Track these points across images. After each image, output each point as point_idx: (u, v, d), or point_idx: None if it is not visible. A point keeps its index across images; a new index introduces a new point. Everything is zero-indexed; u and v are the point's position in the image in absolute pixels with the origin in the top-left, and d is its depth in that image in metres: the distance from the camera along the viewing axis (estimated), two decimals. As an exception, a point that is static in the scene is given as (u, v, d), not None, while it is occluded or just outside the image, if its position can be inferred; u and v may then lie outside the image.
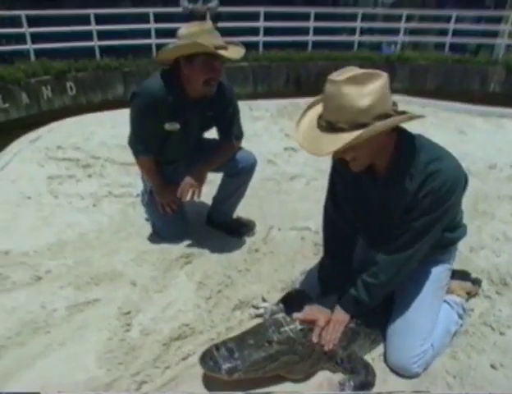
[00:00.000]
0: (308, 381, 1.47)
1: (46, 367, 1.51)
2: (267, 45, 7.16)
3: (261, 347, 1.38)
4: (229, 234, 2.39)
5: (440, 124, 4.78)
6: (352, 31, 7.66)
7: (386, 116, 1.19)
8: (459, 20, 7.51)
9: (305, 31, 7.37)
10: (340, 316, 1.51)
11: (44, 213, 2.60)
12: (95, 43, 6.32)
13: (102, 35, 6.42)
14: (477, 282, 1.85)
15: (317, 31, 7.42)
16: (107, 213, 2.62)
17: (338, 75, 1.18)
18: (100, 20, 6.37)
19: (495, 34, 7.64)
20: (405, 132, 1.37)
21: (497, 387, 1.41)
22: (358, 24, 7.46)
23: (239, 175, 2.20)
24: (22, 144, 3.74)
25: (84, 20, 6.25)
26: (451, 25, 7.43)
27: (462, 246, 1.73)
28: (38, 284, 1.95)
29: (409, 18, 7.75)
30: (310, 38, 7.33)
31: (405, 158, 1.33)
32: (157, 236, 2.34)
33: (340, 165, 1.47)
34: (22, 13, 5.92)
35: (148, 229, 2.42)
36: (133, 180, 3.01)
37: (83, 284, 1.94)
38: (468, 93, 6.95)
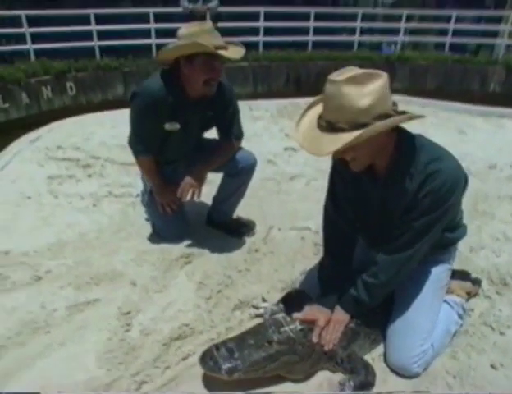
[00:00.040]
0: (308, 381, 1.47)
1: (46, 367, 1.51)
2: (267, 45, 7.16)
3: (261, 347, 1.38)
4: (229, 234, 2.39)
5: (440, 124, 4.78)
6: (352, 31, 7.66)
7: (386, 116, 1.19)
8: (459, 20, 7.51)
9: (305, 31, 7.37)
10: (340, 316, 1.51)
11: (44, 212, 2.60)
12: (95, 43, 6.32)
13: (102, 35, 6.43)
14: (477, 282, 1.85)
15: (317, 31, 7.42)
16: (107, 213, 2.62)
17: (338, 75, 1.18)
18: (100, 20, 6.37)
19: (495, 34, 7.64)
20: (405, 132, 1.37)
21: (497, 387, 1.41)
22: (358, 24, 7.46)
23: (239, 175, 2.20)
24: (22, 144, 3.73)
25: (84, 20, 6.26)
26: (451, 25, 7.43)
27: (462, 246, 1.73)
28: (38, 284, 1.95)
29: (409, 18, 7.75)
30: (310, 38, 7.33)
31: (405, 158, 1.33)
32: (157, 236, 2.34)
33: (340, 165, 1.47)
34: (22, 13, 5.92)
35: (148, 229, 2.42)
36: (133, 180, 3.01)
37: (83, 284, 1.94)
38: (468, 93, 6.95)
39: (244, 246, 2.29)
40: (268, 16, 7.07)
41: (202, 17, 5.79)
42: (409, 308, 1.52)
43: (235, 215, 2.46)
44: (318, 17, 7.33)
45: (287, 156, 3.68)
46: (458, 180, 1.30)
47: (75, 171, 3.24)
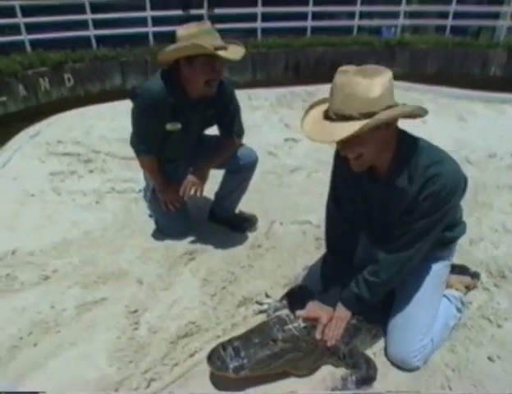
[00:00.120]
0: (311, 376, 1.52)
1: (58, 366, 1.56)
2: (265, 31, 7.07)
3: (266, 345, 1.43)
4: (231, 229, 2.42)
5: (440, 111, 4.75)
6: (351, 15, 7.55)
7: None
8: (460, 1, 7.38)
9: (304, 16, 7.26)
10: (342, 313, 1.55)
11: (48, 210, 2.63)
12: (91, 32, 6.24)
13: (98, 24, 6.34)
14: (475, 276, 1.89)
15: (316, 16, 7.31)
16: (111, 210, 2.64)
17: (347, 68, 1.23)
18: (95, 8, 6.27)
19: (496, 16, 7.54)
20: (406, 134, 1.39)
21: (495, 379, 1.46)
22: (357, 8, 7.35)
23: (240, 172, 2.22)
24: (22, 140, 3.73)
25: (79, 9, 6.16)
26: (452, 7, 7.32)
27: (462, 239, 1.75)
28: (46, 284, 1.99)
29: (409, 1, 7.63)
30: (309, 23, 7.23)
31: (406, 160, 1.35)
32: (160, 233, 2.37)
33: (342, 165, 1.50)
34: (16, 3, 5.82)
35: (151, 226, 2.45)
36: (135, 174, 3.02)
37: (90, 283, 1.99)
38: (468, 77, 6.89)
39: (246, 242, 2.33)
40: (266, 2, 6.95)
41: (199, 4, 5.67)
42: (409, 303, 1.56)
43: (237, 210, 2.49)
44: (317, 2, 7.21)
45: (288, 147, 3.69)
46: (458, 184, 1.32)
47: (76, 167, 3.26)
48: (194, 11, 6.80)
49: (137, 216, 2.58)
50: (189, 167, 2.18)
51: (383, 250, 1.48)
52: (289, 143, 3.79)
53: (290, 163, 3.35)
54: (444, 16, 7.59)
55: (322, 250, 2.11)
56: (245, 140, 2.32)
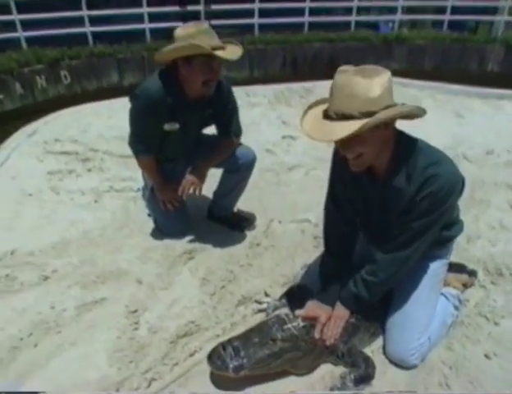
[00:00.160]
0: (310, 374, 1.53)
1: (58, 367, 1.57)
2: (262, 28, 7.04)
3: (265, 345, 1.44)
4: (230, 228, 2.43)
5: (437, 107, 4.76)
6: (349, 11, 7.51)
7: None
8: (457, -4, 7.37)
9: (301, 12, 7.23)
10: (341, 312, 1.56)
11: (46, 210, 2.63)
12: (87, 29, 6.19)
13: (94, 21, 6.29)
14: (473, 274, 1.91)
15: (313, 12, 7.28)
16: (109, 209, 2.65)
17: (347, 68, 1.24)
18: (91, 5, 6.22)
19: (494, 11, 7.52)
20: (404, 134, 1.40)
21: (491, 376, 1.48)
22: (354, 3, 7.32)
23: (238, 171, 2.22)
24: (19, 139, 3.71)
25: (75, 5, 6.11)
26: (450, 2, 7.30)
27: (459, 237, 1.77)
28: (45, 284, 1.99)
29: (407, -5, 7.60)
30: (306, 19, 7.20)
31: (404, 160, 1.36)
32: (159, 232, 2.38)
33: (340, 166, 1.51)
34: (11, -1, 5.78)
35: (150, 225, 2.45)
36: (133, 173, 3.02)
37: (89, 283, 1.99)
38: (465, 72, 6.88)
39: (245, 240, 2.34)
40: (263, -3, 6.93)
41: None
42: (407, 302, 1.58)
43: (235, 208, 2.50)
44: (314, -3, 7.19)
45: (286, 145, 3.69)
46: (455, 184, 1.33)
47: (74, 166, 3.25)
48: (190, 8, 6.76)
49: (136, 215, 2.58)
50: (188, 166, 2.18)
51: (381, 250, 1.49)
52: (287, 140, 3.79)
53: (288, 161, 3.35)
54: (441, 11, 7.57)
55: (321, 249, 2.13)
56: (243, 138, 2.32)
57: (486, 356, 1.56)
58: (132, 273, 2.06)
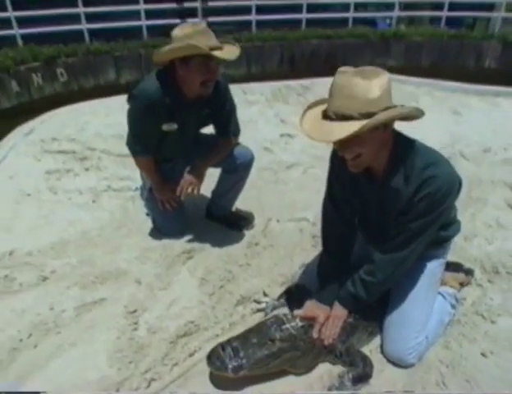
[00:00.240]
0: (309, 374, 1.54)
1: (58, 367, 1.58)
2: (259, 24, 7.02)
3: (264, 345, 1.45)
4: (228, 227, 2.43)
5: (435, 104, 4.78)
6: (346, 7, 7.50)
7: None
8: (455, -8, 7.37)
9: (299, 8, 7.21)
10: (339, 312, 1.58)
11: (45, 210, 2.63)
12: (84, 26, 6.15)
13: (90, 18, 6.25)
14: (469, 273, 1.93)
15: (311, 8, 7.26)
16: (108, 209, 2.64)
17: (346, 69, 1.25)
18: (87, 2, 6.18)
19: (491, 7, 7.52)
20: (402, 136, 1.41)
21: (488, 375, 1.50)
22: (352, -1, 7.32)
23: (237, 171, 2.23)
24: (16, 138, 3.69)
25: (71, 2, 6.07)
26: (447, -2, 7.31)
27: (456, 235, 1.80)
28: (44, 284, 2.00)
29: (405, -8, 7.60)
30: (304, 15, 7.18)
31: (402, 161, 1.37)
32: (157, 232, 2.38)
33: (338, 167, 1.52)
34: (7, -4, 5.73)
35: (148, 225, 2.45)
36: (131, 172, 3.01)
37: (88, 283, 2.00)
38: (463, 69, 6.89)
39: (243, 240, 2.34)
40: (260, -7, 6.90)
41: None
42: (405, 301, 1.59)
43: (233, 207, 2.50)
44: (312, -7, 7.17)
45: (283, 143, 3.69)
46: (452, 185, 1.34)
47: (72, 165, 3.24)
48: (187, 4, 6.73)
49: (134, 215, 2.58)
50: (186, 166, 2.18)
51: (379, 250, 1.50)
52: (284, 138, 3.80)
53: (285, 159, 3.36)
54: (439, 7, 7.56)
55: (319, 248, 2.14)
56: (241, 136, 2.32)
57: (483, 355, 1.58)
58: (131, 273, 2.06)
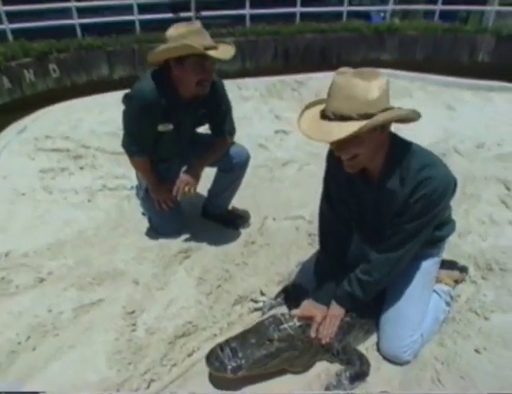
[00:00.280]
0: (307, 373, 1.57)
1: (58, 370, 1.59)
2: (253, 18, 6.97)
3: (262, 346, 1.47)
4: (225, 226, 2.44)
5: (428, 99, 4.79)
6: (341, 1, 7.46)
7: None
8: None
9: (293, 2, 7.17)
10: (336, 311, 1.59)
11: (40, 210, 2.62)
12: (76, 21, 6.07)
13: (82, 12, 6.17)
14: (464, 270, 1.95)
15: (305, 2, 7.22)
16: (103, 209, 2.64)
17: (345, 70, 1.27)
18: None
19: (484, 1, 7.53)
20: (397, 137, 1.42)
21: (481, 371, 1.53)
22: (346, -8, 7.28)
23: (233, 170, 2.23)
24: (9, 136, 3.66)
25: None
26: (441, -8, 7.31)
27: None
28: (41, 286, 1.99)
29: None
30: (298, 9, 7.14)
31: (398, 163, 1.38)
32: (154, 232, 2.38)
33: (335, 168, 1.53)
34: (-5, -10, 5.64)
35: (144, 224, 2.45)
36: (126, 170, 3.00)
37: (86, 284, 2.00)
38: (457, 63, 6.90)
39: (240, 238, 2.35)
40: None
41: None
42: (400, 300, 1.61)
43: (229, 206, 2.51)
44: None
45: (278, 140, 3.69)
46: (448, 187, 1.36)
47: (66, 164, 3.23)
48: (180, -2, 6.68)
49: (130, 214, 2.58)
50: (182, 166, 2.18)
51: (375, 250, 1.52)
52: (279, 135, 3.80)
53: (281, 156, 3.36)
54: (433, 1, 7.55)
55: (315, 246, 2.16)
56: (236, 132, 2.30)
57: (477, 351, 1.61)
58: (128, 274, 2.07)
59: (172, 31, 1.78)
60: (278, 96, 4.95)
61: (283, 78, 5.42)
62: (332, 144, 1.34)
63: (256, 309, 1.87)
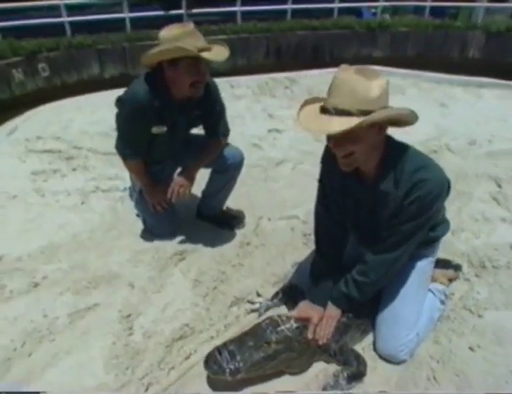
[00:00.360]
0: (305, 373, 1.57)
1: (54, 376, 1.57)
2: (244, 15, 6.94)
3: (260, 348, 1.47)
4: (219, 227, 2.44)
5: (421, 95, 4.84)
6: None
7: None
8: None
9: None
10: (333, 312, 1.60)
11: (33, 213, 2.59)
12: (65, 19, 5.99)
13: (71, 10, 6.09)
14: (458, 268, 1.98)
15: (296, -2, 7.23)
16: (97, 211, 2.62)
17: (348, 66, 1.28)
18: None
19: (474, -3, 7.60)
20: (392, 139, 1.42)
21: (476, 368, 1.55)
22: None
23: (227, 171, 2.22)
24: (-1, 138, 3.62)
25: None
26: (431, -12, 7.34)
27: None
28: (36, 291, 1.98)
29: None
30: (289, 6, 7.13)
31: (392, 165, 1.39)
32: (149, 233, 2.37)
33: (329, 171, 1.54)
34: (-18, -12, 5.55)
35: (139, 226, 2.44)
36: (119, 171, 2.98)
37: (81, 288, 1.98)
38: (447, 59, 6.96)
39: (235, 239, 2.35)
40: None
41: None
42: (396, 300, 1.62)
43: (224, 206, 2.50)
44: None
45: (272, 139, 3.69)
46: (442, 189, 1.37)
47: (58, 165, 3.20)
48: (171, -5, 6.61)
49: (124, 216, 2.56)
50: (176, 167, 2.17)
51: (371, 251, 1.53)
52: (273, 134, 3.80)
53: (274, 156, 3.36)
54: (423, -3, 7.60)
55: (310, 246, 2.18)
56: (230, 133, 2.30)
57: (471, 349, 1.63)
58: (124, 277, 2.06)
59: (165, 33, 1.76)
60: (270, 94, 4.95)
61: (275, 76, 5.43)
62: (330, 140, 1.34)
63: (252, 311, 1.87)
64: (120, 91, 2.01)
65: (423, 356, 1.61)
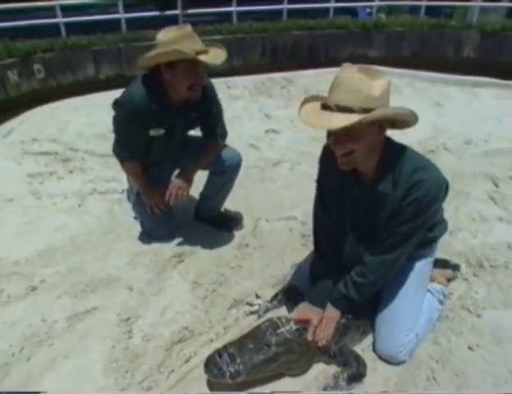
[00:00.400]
0: (305, 375, 1.57)
1: (54, 381, 1.56)
2: (241, 16, 6.94)
3: (260, 351, 1.47)
4: (218, 228, 2.43)
5: (417, 95, 4.85)
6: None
7: None
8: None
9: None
10: (332, 313, 1.61)
11: (29, 216, 2.58)
12: (60, 19, 5.96)
13: (66, 11, 6.06)
14: (456, 268, 1.99)
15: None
16: (94, 213, 2.61)
17: (351, 65, 1.29)
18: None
19: (469, -4, 7.63)
20: (391, 141, 1.43)
21: (475, 368, 1.56)
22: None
23: (225, 173, 2.22)
24: (-5, 140, 3.60)
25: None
26: (426, -13, 7.37)
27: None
28: (34, 295, 1.96)
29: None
30: (285, 6, 7.13)
31: (390, 166, 1.39)
32: (147, 236, 2.36)
33: (327, 172, 1.54)
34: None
35: (137, 228, 2.43)
36: (116, 173, 2.97)
37: (79, 292, 1.97)
38: (443, 58, 6.99)
39: (233, 241, 2.35)
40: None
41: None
42: (395, 300, 1.63)
43: (222, 208, 2.50)
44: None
45: (269, 139, 3.69)
46: (440, 190, 1.38)
47: (55, 167, 3.18)
48: (167, -4, 6.60)
49: (122, 218, 2.55)
50: (174, 170, 2.17)
51: (369, 252, 1.53)
52: (270, 134, 3.80)
53: (272, 156, 3.36)
54: (418, -4, 7.62)
55: (309, 247, 2.18)
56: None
57: (470, 348, 1.64)
58: (122, 280, 2.05)
59: (163, 35, 1.75)
60: (267, 94, 4.96)
61: (272, 76, 5.43)
62: (330, 136, 1.34)
63: (252, 313, 1.87)
64: (116, 92, 2.01)
65: (423, 356, 1.62)
